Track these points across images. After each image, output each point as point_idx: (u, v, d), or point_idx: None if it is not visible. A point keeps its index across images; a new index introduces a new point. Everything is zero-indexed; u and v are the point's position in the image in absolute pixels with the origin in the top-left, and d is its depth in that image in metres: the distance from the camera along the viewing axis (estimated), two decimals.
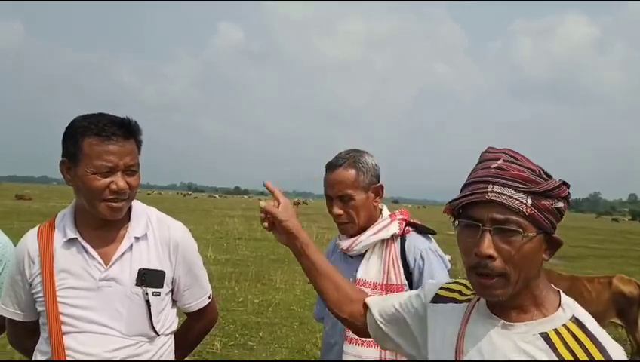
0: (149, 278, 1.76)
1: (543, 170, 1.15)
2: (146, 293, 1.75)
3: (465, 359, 1.20)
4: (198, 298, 1.95)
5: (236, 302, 8.52)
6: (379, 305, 1.49)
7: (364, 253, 2.15)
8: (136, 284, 1.74)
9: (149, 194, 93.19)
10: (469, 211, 1.15)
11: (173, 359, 1.90)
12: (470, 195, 1.14)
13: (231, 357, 5.87)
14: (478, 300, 1.27)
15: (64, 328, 1.68)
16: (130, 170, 1.73)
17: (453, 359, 1.21)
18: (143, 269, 1.76)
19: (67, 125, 1.73)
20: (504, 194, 1.09)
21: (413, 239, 2.13)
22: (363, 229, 2.13)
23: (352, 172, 2.09)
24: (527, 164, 1.14)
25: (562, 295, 1.21)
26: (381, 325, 1.47)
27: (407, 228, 2.16)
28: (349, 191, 2.08)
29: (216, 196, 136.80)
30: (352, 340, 2.06)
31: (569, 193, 1.15)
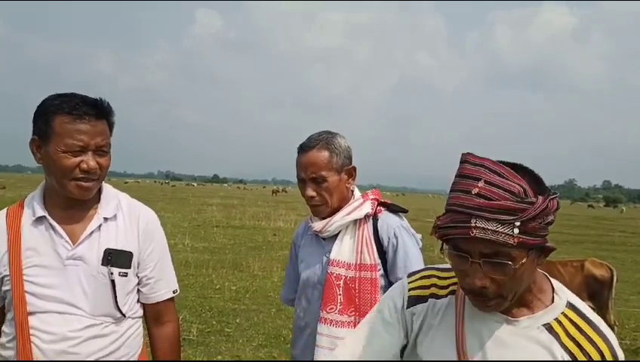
0: (115, 258, 1.75)
1: (526, 185, 1.08)
2: (111, 273, 1.74)
3: (471, 358, 1.17)
4: (164, 288, 1.91)
5: (213, 289, 8.49)
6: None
7: (337, 234, 2.14)
8: (102, 264, 1.73)
9: (126, 182, 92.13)
10: (457, 243, 1.12)
11: (141, 344, 1.89)
12: (454, 228, 1.10)
13: (207, 343, 5.85)
14: None
15: (29, 308, 1.67)
16: (101, 151, 1.72)
17: (456, 359, 1.18)
18: (109, 249, 1.75)
19: (39, 103, 1.71)
20: (489, 230, 1.05)
21: (386, 218, 2.13)
22: (336, 211, 2.12)
23: (325, 153, 2.07)
24: (510, 186, 1.07)
25: (551, 279, 1.23)
26: None
27: (379, 207, 2.16)
28: (322, 173, 2.06)
29: (195, 184, 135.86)
30: (327, 321, 2.06)
31: (558, 203, 1.10)
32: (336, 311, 2.06)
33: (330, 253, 2.11)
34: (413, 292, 1.32)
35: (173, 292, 1.95)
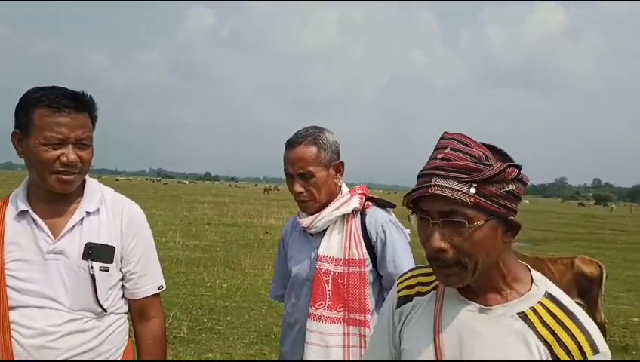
0: (96, 252, 1.74)
1: (489, 153, 1.13)
2: (91, 267, 1.72)
3: (445, 349, 1.17)
4: (148, 284, 1.89)
5: (204, 287, 8.46)
6: None
7: (325, 230, 2.13)
8: (83, 258, 1.72)
9: (117, 180, 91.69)
10: (420, 204, 1.16)
11: (125, 339, 1.87)
12: (417, 189, 1.14)
13: (198, 341, 5.83)
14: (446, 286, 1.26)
15: (10, 302, 1.66)
16: (82, 144, 1.70)
17: (433, 350, 1.19)
18: (90, 243, 1.73)
19: (20, 97, 1.70)
20: (446, 187, 1.09)
21: (374, 213, 2.12)
22: (324, 206, 2.11)
23: (312, 149, 2.05)
24: (472, 151, 1.12)
25: (532, 271, 1.22)
26: None
27: (367, 202, 2.16)
28: (310, 169, 2.05)
29: (186, 182, 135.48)
30: (316, 317, 2.06)
31: (519, 174, 1.13)
32: (325, 307, 2.05)
33: (318, 248, 2.11)
34: (401, 293, 1.35)
35: (159, 288, 1.92)
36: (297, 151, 2.06)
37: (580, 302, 6.32)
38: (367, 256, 2.06)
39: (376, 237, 2.08)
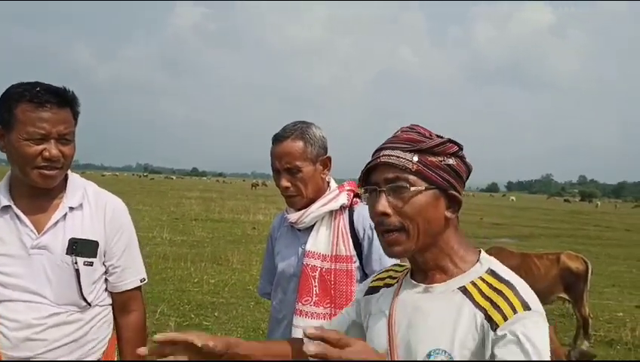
0: (80, 247, 1.76)
1: (434, 134, 1.24)
2: (76, 262, 1.74)
3: (397, 330, 1.23)
4: (131, 277, 1.92)
5: (192, 283, 8.44)
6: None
7: (313, 225, 2.12)
8: (67, 253, 1.73)
9: (103, 175, 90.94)
10: (370, 178, 1.25)
11: (110, 331, 1.90)
12: (368, 163, 1.24)
13: None
14: (406, 275, 1.32)
15: None
16: (65, 139, 1.71)
17: (387, 333, 1.25)
18: (74, 239, 1.75)
19: (3, 92, 1.70)
20: (392, 155, 1.20)
21: (362, 210, 2.10)
22: (311, 202, 2.10)
23: (299, 144, 2.04)
24: (419, 130, 1.24)
25: (483, 253, 1.27)
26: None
27: (355, 198, 2.15)
28: (296, 163, 2.03)
29: (173, 177, 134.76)
30: (302, 313, 2.05)
31: (459, 151, 1.23)
32: (312, 303, 2.05)
33: (305, 244, 2.10)
34: (373, 284, 1.42)
35: (141, 280, 1.95)
36: (284, 146, 2.04)
37: (565, 297, 6.38)
38: (354, 252, 2.06)
39: (364, 235, 2.08)
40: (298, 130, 2.06)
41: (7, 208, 1.74)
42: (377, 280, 1.42)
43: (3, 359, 1.67)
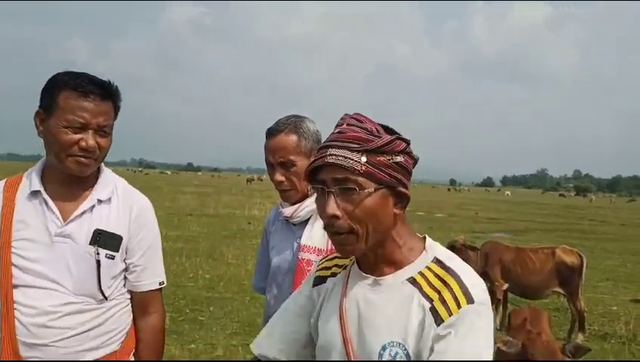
0: (103, 239, 1.75)
1: (381, 129, 1.21)
2: (98, 253, 1.74)
3: (349, 323, 1.24)
4: (150, 278, 1.91)
5: (187, 278, 8.44)
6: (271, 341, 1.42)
7: (308, 219, 2.10)
8: (90, 243, 1.73)
9: None
10: (318, 175, 1.23)
11: (129, 321, 1.89)
12: (314, 161, 1.22)
13: (181, 331, 5.81)
14: (353, 264, 1.33)
15: (14, 281, 1.67)
16: (103, 131, 1.73)
17: (339, 328, 1.25)
18: (99, 230, 1.75)
19: (49, 78, 1.72)
20: (340, 156, 1.17)
21: None
22: (306, 196, 2.08)
23: (293, 137, 2.03)
24: (365, 125, 1.21)
25: (428, 239, 1.28)
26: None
27: None
28: (290, 157, 2.02)
29: (168, 172, 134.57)
30: None
31: (407, 148, 1.22)
32: None
33: (300, 238, 2.08)
34: (318, 273, 1.42)
35: (160, 284, 1.95)
36: (278, 140, 2.03)
37: (560, 291, 6.40)
38: None
39: None
40: (292, 123, 2.05)
41: (36, 193, 1.74)
42: (323, 269, 1.42)
43: (18, 345, 1.65)
